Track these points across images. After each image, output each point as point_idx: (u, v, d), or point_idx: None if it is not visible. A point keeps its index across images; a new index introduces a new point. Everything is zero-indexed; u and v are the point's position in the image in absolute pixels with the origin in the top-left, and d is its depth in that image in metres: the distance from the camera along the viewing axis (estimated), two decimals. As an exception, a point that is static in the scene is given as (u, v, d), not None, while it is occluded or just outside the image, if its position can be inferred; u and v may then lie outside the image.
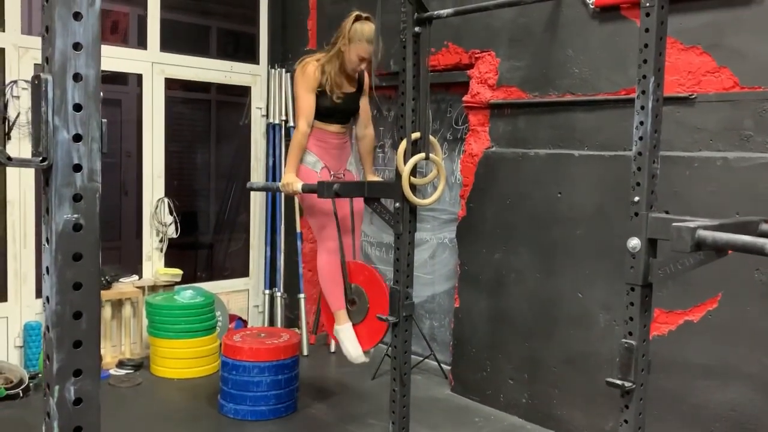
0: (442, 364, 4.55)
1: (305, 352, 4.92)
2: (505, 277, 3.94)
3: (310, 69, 3.46)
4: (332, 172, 3.58)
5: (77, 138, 0.97)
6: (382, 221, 3.28)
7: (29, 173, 4.36)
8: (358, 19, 3.43)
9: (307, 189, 3.27)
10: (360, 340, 3.51)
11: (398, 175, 3.11)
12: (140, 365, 4.58)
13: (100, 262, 1.01)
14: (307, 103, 3.45)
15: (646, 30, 2.22)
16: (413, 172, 3.11)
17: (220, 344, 4.24)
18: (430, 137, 3.16)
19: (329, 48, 3.51)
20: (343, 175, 3.64)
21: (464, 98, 4.13)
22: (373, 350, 3.56)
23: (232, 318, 5.21)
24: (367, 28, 3.40)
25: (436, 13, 3.02)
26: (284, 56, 5.52)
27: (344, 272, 3.48)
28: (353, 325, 3.53)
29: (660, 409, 3.24)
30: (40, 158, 0.96)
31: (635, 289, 2.24)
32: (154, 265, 4.99)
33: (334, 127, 3.57)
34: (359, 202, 3.59)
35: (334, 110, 3.51)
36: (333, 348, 4.97)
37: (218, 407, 3.89)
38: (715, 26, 3.09)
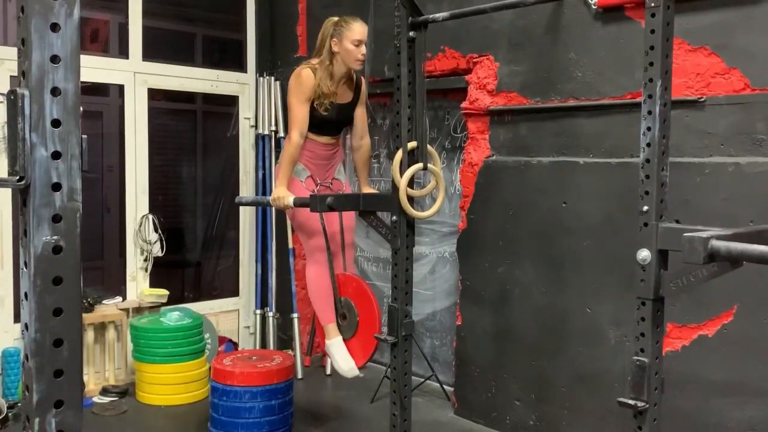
0: (444, 386, 4.53)
1: (300, 375, 4.90)
2: (510, 292, 3.93)
3: (305, 76, 3.50)
4: (318, 181, 3.63)
5: (56, 155, 0.97)
6: (379, 235, 3.28)
7: (6, 191, 4.34)
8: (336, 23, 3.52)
9: (299, 203, 3.27)
10: (352, 356, 3.52)
11: (395, 187, 3.11)
12: (125, 392, 4.55)
13: (81, 286, 1.01)
14: (301, 114, 3.47)
15: (652, 31, 2.23)
16: (410, 183, 3.11)
17: (210, 368, 4.22)
18: (428, 146, 3.17)
19: (316, 54, 3.56)
20: (331, 184, 3.68)
21: (462, 105, 4.14)
22: (365, 366, 3.56)
23: (222, 340, 5.19)
24: (350, 18, 3.49)
25: (431, 16, 3.04)
26: (273, 64, 5.53)
27: (334, 286, 3.49)
28: (344, 340, 3.53)
29: (675, 430, 3.22)
30: (17, 177, 0.96)
31: (646, 304, 2.24)
32: (139, 286, 4.98)
33: (326, 139, 3.63)
34: (349, 218, 3.60)
35: (327, 122, 3.55)
36: (329, 370, 4.95)
37: (208, 435, 3.86)
38: (724, 26, 3.11)
